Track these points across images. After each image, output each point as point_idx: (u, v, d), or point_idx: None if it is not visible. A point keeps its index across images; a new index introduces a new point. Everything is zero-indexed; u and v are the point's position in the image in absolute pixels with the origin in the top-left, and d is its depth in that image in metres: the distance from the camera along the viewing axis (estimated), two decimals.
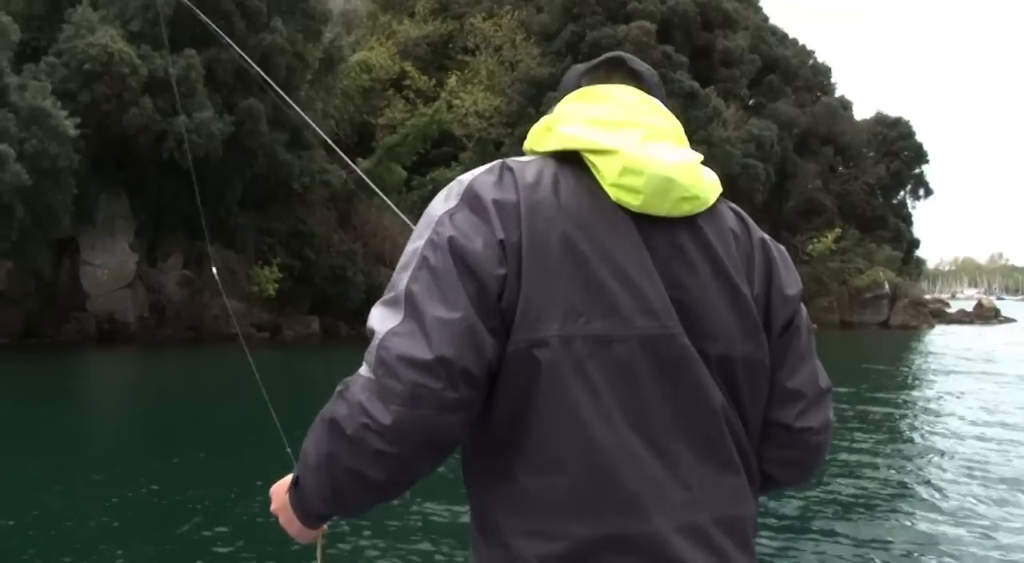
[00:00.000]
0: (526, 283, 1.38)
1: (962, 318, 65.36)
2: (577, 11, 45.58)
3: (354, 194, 40.02)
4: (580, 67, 1.76)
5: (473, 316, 1.36)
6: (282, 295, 34.89)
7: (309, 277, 36.22)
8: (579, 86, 1.67)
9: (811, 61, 64.46)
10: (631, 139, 1.49)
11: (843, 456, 11.88)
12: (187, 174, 30.94)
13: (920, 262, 70.83)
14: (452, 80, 45.73)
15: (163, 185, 30.70)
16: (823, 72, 65.25)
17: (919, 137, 64.41)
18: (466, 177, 1.50)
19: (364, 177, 3.66)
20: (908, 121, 64.97)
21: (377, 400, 1.35)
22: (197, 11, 4.27)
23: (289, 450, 1.70)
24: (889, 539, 8.23)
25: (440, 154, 45.13)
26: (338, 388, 1.42)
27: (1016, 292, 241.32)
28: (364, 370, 1.39)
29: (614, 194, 1.45)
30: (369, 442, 1.35)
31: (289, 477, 1.53)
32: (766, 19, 63.15)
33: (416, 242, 1.45)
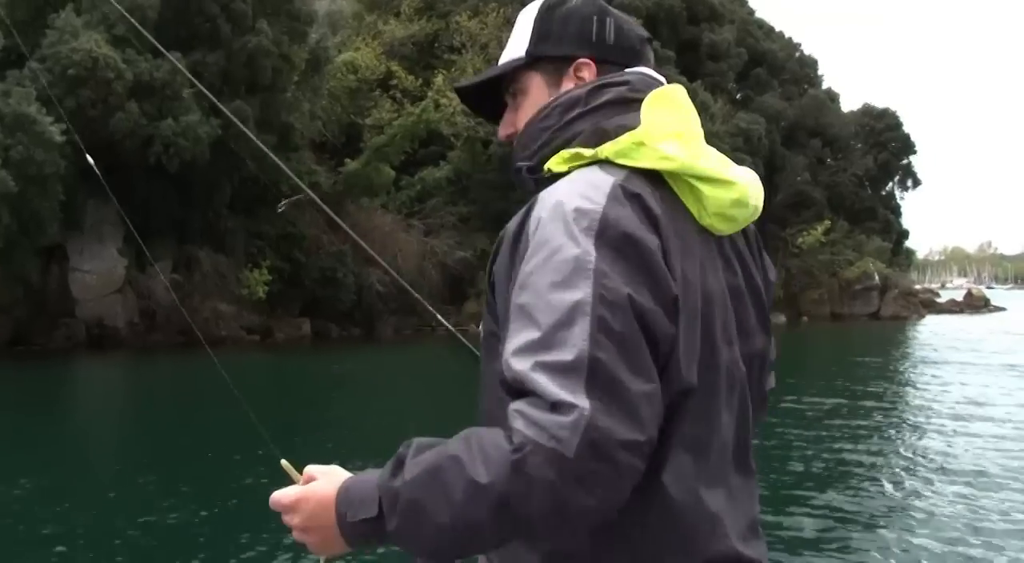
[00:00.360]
0: (681, 335, 1.34)
1: (952, 308, 65.61)
2: None
3: (344, 195, 40.01)
4: (631, 34, 1.62)
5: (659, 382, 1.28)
6: (272, 298, 34.83)
7: (299, 279, 36.17)
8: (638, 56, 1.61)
9: (797, 54, 64.58)
10: (719, 161, 1.48)
11: (836, 445, 11.90)
12: (175, 178, 30.94)
13: (909, 253, 71.08)
14: (439, 79, 45.64)
15: (151, 190, 30.61)
16: (809, 65, 65.37)
17: (906, 128, 64.65)
18: (592, 206, 1.34)
19: (305, 189, 3.60)
20: (895, 112, 65.21)
21: (575, 484, 1.20)
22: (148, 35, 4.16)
23: (287, 461, 1.58)
24: (880, 528, 8.26)
25: (428, 153, 45.08)
26: (504, 445, 1.23)
27: (1005, 281, 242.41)
28: (544, 439, 1.21)
29: (710, 222, 1.44)
30: (551, 526, 1.24)
31: (325, 491, 1.38)
32: (752, 13, 63.21)
33: (571, 293, 1.28)
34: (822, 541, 7.89)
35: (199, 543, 7.88)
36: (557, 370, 1.24)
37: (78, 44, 28.57)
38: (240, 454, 11.91)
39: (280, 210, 1.93)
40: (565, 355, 1.24)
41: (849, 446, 12.25)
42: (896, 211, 64.53)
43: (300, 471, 1.48)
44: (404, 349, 32.01)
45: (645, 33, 1.65)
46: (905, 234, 65.75)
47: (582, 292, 1.27)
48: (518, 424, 1.23)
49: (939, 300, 68.73)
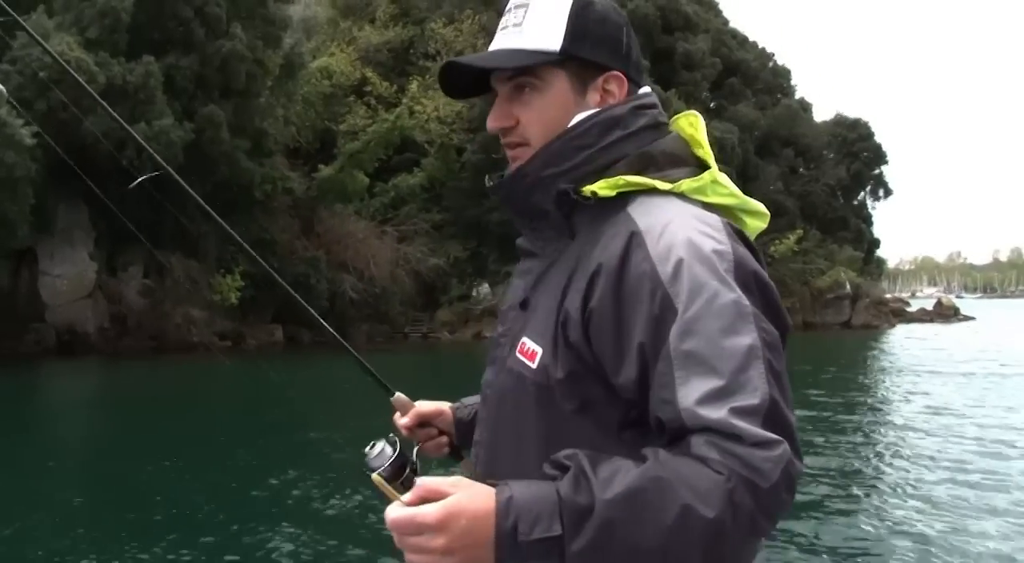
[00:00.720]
0: None
1: (922, 317, 66.18)
2: None
3: (317, 201, 39.88)
4: (639, 50, 1.59)
5: None
6: (244, 303, 34.63)
7: (271, 285, 35.93)
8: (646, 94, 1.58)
9: (771, 63, 65.03)
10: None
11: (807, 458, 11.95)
12: (147, 182, 30.66)
13: (881, 262, 71.64)
14: (414, 86, 45.63)
15: (123, 194, 30.34)
16: (783, 74, 65.85)
17: (878, 138, 65.20)
18: (723, 247, 1.37)
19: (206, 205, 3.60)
20: (867, 122, 65.74)
21: (768, 512, 1.28)
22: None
23: (379, 476, 1.51)
24: (846, 538, 8.30)
25: (402, 160, 45.04)
26: (720, 474, 1.26)
27: (974, 290, 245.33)
28: (741, 468, 1.26)
29: None
30: (736, 550, 1.29)
31: (480, 506, 1.24)
32: (726, 22, 63.61)
33: (742, 338, 1.31)
34: (791, 552, 7.93)
35: (168, 548, 7.81)
36: (750, 413, 1.28)
37: (50, 46, 28.31)
38: (209, 460, 11.85)
39: (132, 186, 1.94)
40: (751, 399, 1.29)
41: (822, 459, 12.31)
42: (868, 221, 65.06)
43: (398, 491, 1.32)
44: (375, 357, 31.92)
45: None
46: (876, 243, 66.28)
47: (750, 337, 1.31)
48: (715, 454, 1.26)
49: (910, 309, 69.31)
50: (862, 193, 65.22)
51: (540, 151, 1.50)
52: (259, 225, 35.56)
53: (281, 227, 37.26)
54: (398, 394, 1.93)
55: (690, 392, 1.29)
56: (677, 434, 1.31)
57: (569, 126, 1.49)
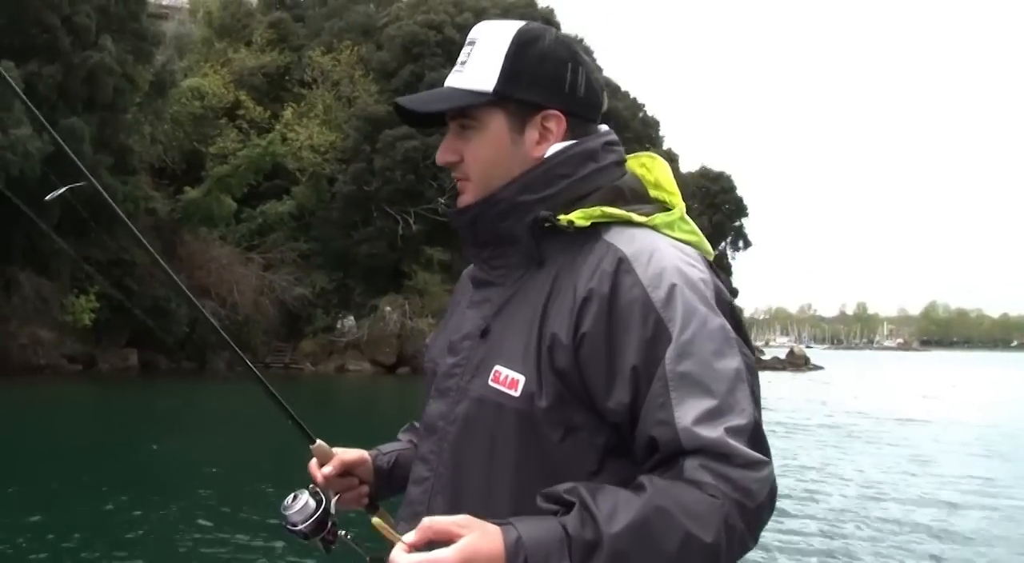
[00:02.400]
0: None
1: (776, 365, 68.66)
2: (417, 51, 45.80)
3: (181, 224, 38.82)
4: (598, 86, 1.60)
5: None
6: (99, 326, 33.31)
7: (128, 308, 34.75)
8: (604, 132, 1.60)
9: (641, 114, 66.82)
10: None
11: None
12: None
13: (738, 311, 74.13)
14: (288, 112, 45.10)
15: None
16: (652, 125, 67.71)
17: (739, 191, 67.69)
18: (705, 275, 1.46)
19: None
20: (730, 175, 68.17)
21: (754, 530, 1.35)
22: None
23: (380, 519, 1.44)
24: None
25: (272, 187, 44.31)
26: (715, 498, 1.31)
27: (823, 341, 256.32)
28: (730, 490, 1.32)
29: None
30: (703, 559, 1.31)
31: (492, 548, 1.25)
32: (600, 70, 65.10)
33: (730, 361, 1.38)
34: None
35: None
36: (740, 433, 1.34)
37: None
38: (61, 485, 11.33)
39: (47, 199, 1.74)
40: (741, 419, 1.35)
41: None
42: (728, 270, 67.23)
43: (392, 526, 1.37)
44: (235, 385, 31.09)
45: (603, 81, 1.62)
46: (735, 293, 67.73)
47: (736, 361, 1.38)
48: (708, 478, 1.31)
49: (764, 357, 71.80)
50: (723, 243, 67.43)
51: (517, 178, 1.51)
52: (118, 245, 34.30)
53: (141, 248, 36.06)
54: (319, 442, 1.81)
55: (687, 412, 1.33)
56: (670, 455, 1.34)
57: (549, 155, 1.52)
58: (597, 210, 1.46)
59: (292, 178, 44.78)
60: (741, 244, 68.30)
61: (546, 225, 1.47)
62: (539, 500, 1.35)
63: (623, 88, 67.40)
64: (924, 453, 18.50)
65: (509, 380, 1.44)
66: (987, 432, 23.33)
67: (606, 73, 66.48)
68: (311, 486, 1.76)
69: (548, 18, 53.30)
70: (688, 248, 1.49)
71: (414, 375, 42.07)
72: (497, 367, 1.46)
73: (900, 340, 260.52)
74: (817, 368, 70.43)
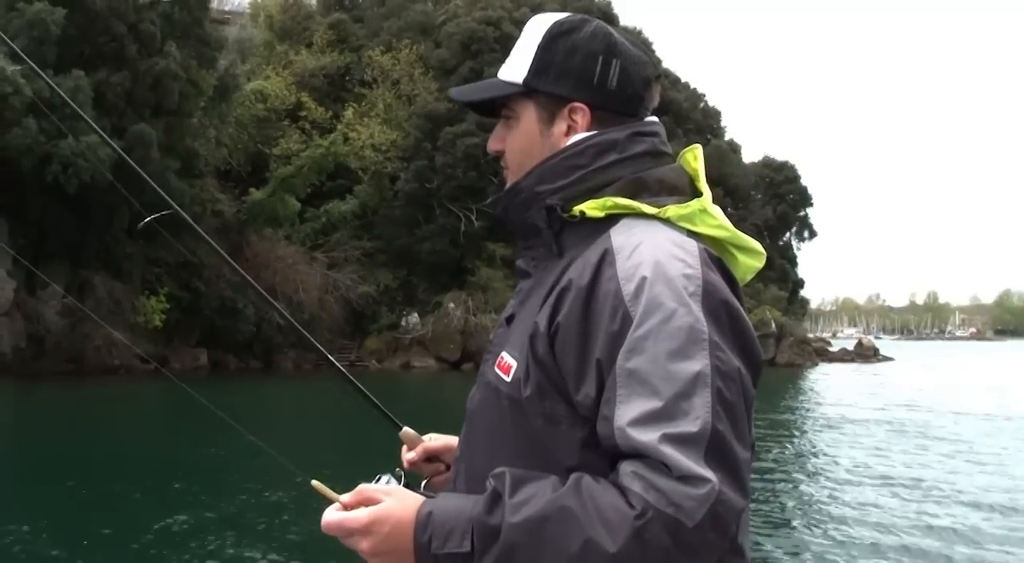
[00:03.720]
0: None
1: (844, 356, 67.54)
2: (475, 47, 45.96)
3: (247, 225, 39.42)
4: (636, 78, 1.55)
5: None
6: (169, 326, 34.00)
7: (198, 308, 35.41)
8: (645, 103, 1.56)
9: (702, 104, 66.21)
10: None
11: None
12: (72, 199, 30.04)
13: (804, 302, 72.98)
14: (349, 112, 45.53)
15: (46, 210, 29.69)
16: (713, 115, 67.07)
17: (803, 181, 66.72)
18: (692, 270, 1.36)
19: None
20: (793, 165, 67.28)
21: (688, 552, 1.24)
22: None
23: (319, 481, 1.44)
24: None
25: (335, 187, 44.80)
26: (633, 508, 1.24)
27: (892, 332, 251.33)
28: (664, 505, 1.23)
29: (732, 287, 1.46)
30: None
31: (402, 514, 1.34)
32: (659, 62, 64.68)
33: (690, 363, 1.29)
34: None
35: None
36: (683, 442, 1.25)
37: None
38: (127, 486, 11.56)
39: (140, 227, 1.80)
40: (690, 426, 1.26)
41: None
42: (792, 261, 66.35)
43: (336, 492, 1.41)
44: (302, 384, 31.52)
45: (653, 72, 1.57)
46: (800, 284, 67.57)
47: (700, 363, 1.29)
48: (637, 487, 1.25)
49: (831, 349, 70.67)
50: (788, 234, 66.58)
51: (535, 168, 1.52)
52: (186, 247, 35.02)
53: (208, 250, 36.68)
54: (406, 429, 1.87)
55: (627, 411, 1.28)
56: (614, 454, 1.30)
57: (565, 147, 1.51)
58: (608, 200, 1.45)
59: (354, 177, 45.22)
60: (806, 234, 67.32)
61: (564, 216, 1.47)
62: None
63: (683, 79, 66.86)
64: (978, 449, 17.90)
65: (506, 365, 1.47)
66: None
67: (665, 65, 65.96)
68: (396, 469, 1.76)
69: (606, 11, 53.09)
70: (690, 242, 1.41)
71: (478, 371, 42.29)
72: (503, 353, 1.50)
73: (973, 330, 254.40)
74: (887, 359, 69.13)
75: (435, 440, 1.87)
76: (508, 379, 1.45)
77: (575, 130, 1.52)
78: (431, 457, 1.84)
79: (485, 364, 1.58)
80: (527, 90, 1.53)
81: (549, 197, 1.49)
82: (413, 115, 46.03)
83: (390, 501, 1.36)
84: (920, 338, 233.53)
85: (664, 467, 1.24)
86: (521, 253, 1.62)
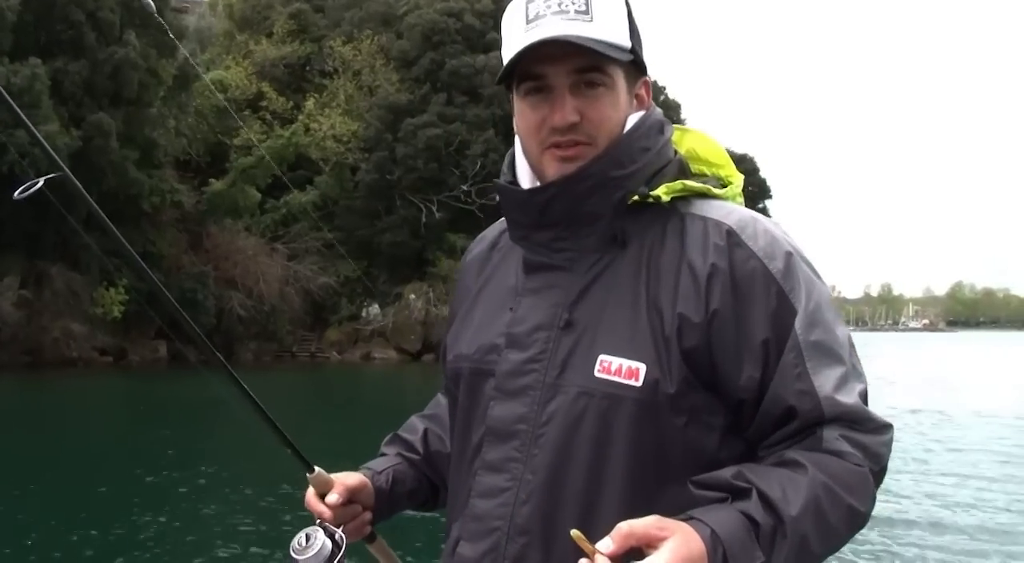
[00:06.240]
0: None
1: None
2: (437, 39, 45.89)
3: (207, 216, 39.17)
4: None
5: None
6: (128, 318, 33.73)
7: (157, 300, 35.08)
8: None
9: (662, 97, 66.52)
10: None
11: None
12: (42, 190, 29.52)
13: None
14: (310, 103, 45.30)
15: (0, 201, 29.31)
16: (673, 108, 67.20)
17: (763, 173, 67.32)
18: (799, 245, 1.42)
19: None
20: (753, 157, 67.79)
21: (875, 493, 1.36)
22: None
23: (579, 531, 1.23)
24: None
25: (295, 177, 44.52)
26: (860, 467, 1.33)
27: (847, 323, 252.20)
28: (861, 459, 1.33)
29: None
30: (856, 530, 1.35)
31: (696, 552, 1.18)
32: None
33: (844, 327, 1.41)
34: None
35: None
36: (865, 397, 1.37)
37: None
38: (89, 479, 11.54)
39: (16, 198, 1.41)
40: (863, 383, 1.38)
41: None
42: None
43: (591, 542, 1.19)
44: (261, 375, 31.41)
45: None
46: None
47: (845, 326, 1.40)
48: (847, 447, 1.32)
49: None
50: None
51: (603, 153, 1.39)
52: (146, 238, 34.76)
53: (168, 241, 36.45)
54: (318, 469, 1.59)
55: (826, 381, 1.33)
56: (809, 424, 1.33)
57: (630, 128, 1.42)
58: (679, 184, 1.40)
59: (315, 168, 45.03)
60: None
61: (633, 201, 1.39)
62: (693, 489, 1.29)
63: None
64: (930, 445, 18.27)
65: (625, 369, 1.34)
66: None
67: None
68: (318, 521, 1.57)
69: None
70: (769, 218, 1.45)
71: (439, 362, 42.29)
72: (603, 357, 1.35)
73: (926, 321, 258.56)
74: None
75: (350, 478, 1.64)
76: (638, 383, 1.33)
77: (642, 106, 1.46)
78: (348, 500, 1.62)
79: (529, 375, 1.40)
80: (632, 56, 1.40)
81: (624, 182, 1.39)
82: (374, 106, 45.89)
83: (679, 537, 1.18)
84: (875, 329, 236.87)
85: (856, 424, 1.34)
86: (529, 245, 1.47)
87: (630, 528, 1.17)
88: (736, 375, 1.33)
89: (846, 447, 1.31)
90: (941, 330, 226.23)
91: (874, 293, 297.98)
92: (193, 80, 38.39)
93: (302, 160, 44.09)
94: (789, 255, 1.36)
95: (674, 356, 1.33)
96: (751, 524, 1.22)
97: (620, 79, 1.40)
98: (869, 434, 1.34)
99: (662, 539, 1.16)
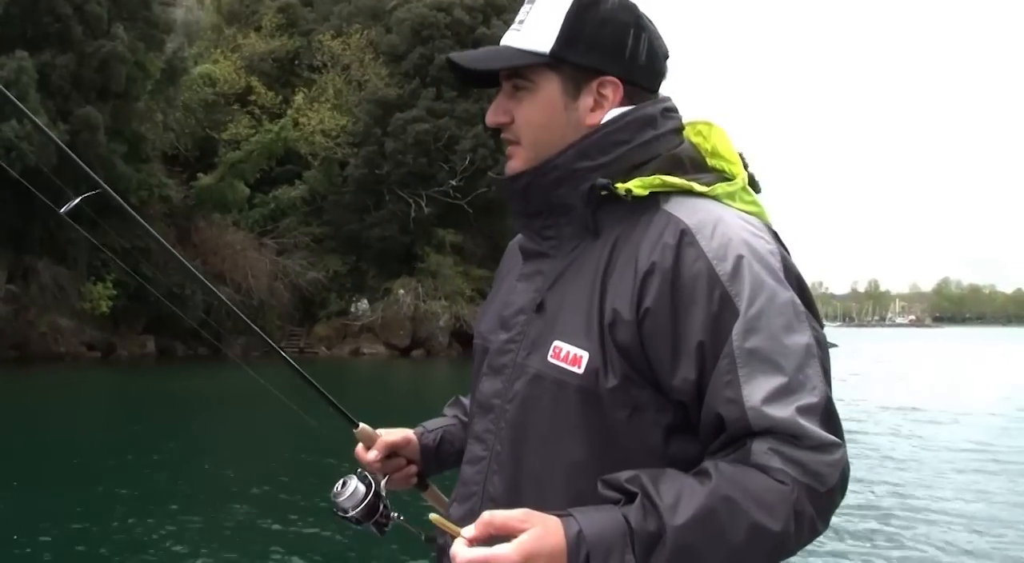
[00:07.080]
0: None
1: None
2: (426, 34, 45.78)
3: (195, 210, 39.04)
4: (660, 53, 1.52)
5: None
6: (116, 313, 33.60)
7: (145, 294, 35.01)
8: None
9: None
10: None
11: None
12: (14, 184, 29.47)
13: None
14: (299, 97, 45.14)
15: None
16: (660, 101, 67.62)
17: (751, 169, 67.47)
18: (773, 247, 1.39)
19: None
20: (741, 153, 68.04)
21: (824, 515, 1.32)
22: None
23: (439, 515, 1.36)
24: None
25: (284, 172, 44.46)
26: (783, 484, 1.27)
27: (835, 319, 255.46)
28: (800, 475, 1.28)
29: None
30: (789, 551, 1.30)
31: (555, 542, 1.21)
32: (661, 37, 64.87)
33: (800, 336, 1.33)
34: None
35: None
36: (811, 412, 1.29)
37: None
38: (77, 474, 11.50)
39: (62, 212, 1.74)
40: (812, 397, 1.30)
41: None
42: None
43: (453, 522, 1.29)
44: (253, 369, 31.25)
45: (667, 48, 1.53)
46: None
47: (807, 335, 1.33)
48: (776, 463, 1.27)
49: None
50: None
51: (575, 143, 1.44)
52: (133, 232, 34.59)
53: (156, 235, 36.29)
54: (363, 425, 1.77)
55: (755, 390, 1.28)
56: (737, 435, 1.30)
57: (606, 121, 1.45)
58: (656, 179, 1.40)
59: (304, 163, 44.91)
60: None
61: (603, 194, 1.40)
62: (600, 487, 1.30)
63: None
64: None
65: (571, 356, 1.37)
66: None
67: None
68: (359, 471, 1.76)
69: None
70: (753, 219, 1.43)
71: (428, 357, 42.25)
72: (557, 343, 1.40)
73: (912, 317, 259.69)
74: (831, 345, 69.80)
75: (391, 434, 1.80)
76: (580, 371, 1.37)
77: (603, 105, 1.46)
78: (391, 453, 1.79)
79: (507, 355, 1.49)
80: (554, 61, 1.44)
81: (591, 174, 1.42)
82: (363, 101, 45.77)
83: (535, 531, 1.21)
84: (862, 325, 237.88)
85: (795, 439, 1.27)
86: (529, 232, 1.54)
87: (491, 517, 1.22)
88: (670, 375, 1.33)
89: (775, 463, 1.27)
90: (928, 326, 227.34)
91: (861, 289, 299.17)
92: (181, 74, 38.27)
93: (291, 155, 43.97)
94: (740, 257, 1.33)
95: (611, 349, 1.35)
96: (628, 529, 1.23)
97: (549, 82, 1.45)
98: (807, 451, 1.28)
99: (521, 531, 1.20)
